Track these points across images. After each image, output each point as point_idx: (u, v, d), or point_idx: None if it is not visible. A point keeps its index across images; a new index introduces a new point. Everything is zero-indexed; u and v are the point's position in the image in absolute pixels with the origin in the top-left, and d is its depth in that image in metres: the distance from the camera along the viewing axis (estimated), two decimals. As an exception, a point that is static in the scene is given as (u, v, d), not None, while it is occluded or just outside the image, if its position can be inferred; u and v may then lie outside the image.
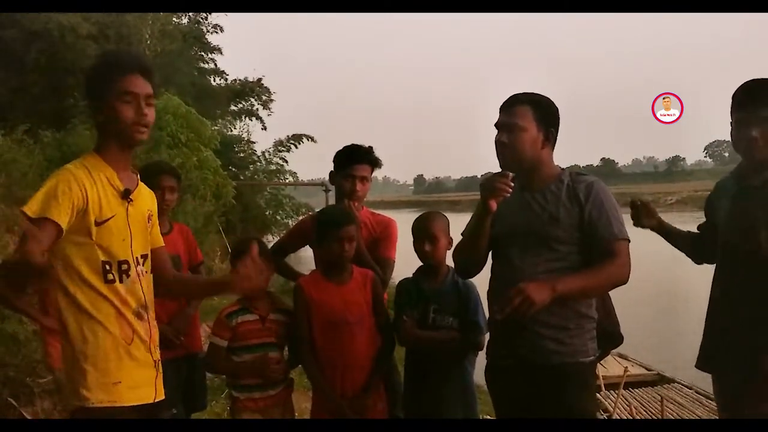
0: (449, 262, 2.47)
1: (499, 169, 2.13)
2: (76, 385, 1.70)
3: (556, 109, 2.19)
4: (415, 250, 2.59)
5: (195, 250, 3.16)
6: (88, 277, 1.70)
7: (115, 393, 1.70)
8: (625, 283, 2.04)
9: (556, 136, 2.18)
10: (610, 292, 2.43)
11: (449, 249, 2.50)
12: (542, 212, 2.11)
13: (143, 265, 1.83)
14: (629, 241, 2.08)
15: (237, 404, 2.50)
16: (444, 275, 2.57)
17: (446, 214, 2.69)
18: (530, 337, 2.09)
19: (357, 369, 2.42)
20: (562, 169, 2.20)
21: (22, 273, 1.64)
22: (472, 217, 2.20)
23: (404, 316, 2.54)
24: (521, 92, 2.19)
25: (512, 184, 2.02)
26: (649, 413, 6.44)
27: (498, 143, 2.15)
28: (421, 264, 2.63)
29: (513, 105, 2.15)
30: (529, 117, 2.11)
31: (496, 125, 2.17)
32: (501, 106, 2.19)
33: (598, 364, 2.80)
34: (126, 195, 1.79)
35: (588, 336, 2.13)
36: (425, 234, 2.53)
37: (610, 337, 2.23)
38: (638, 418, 6.12)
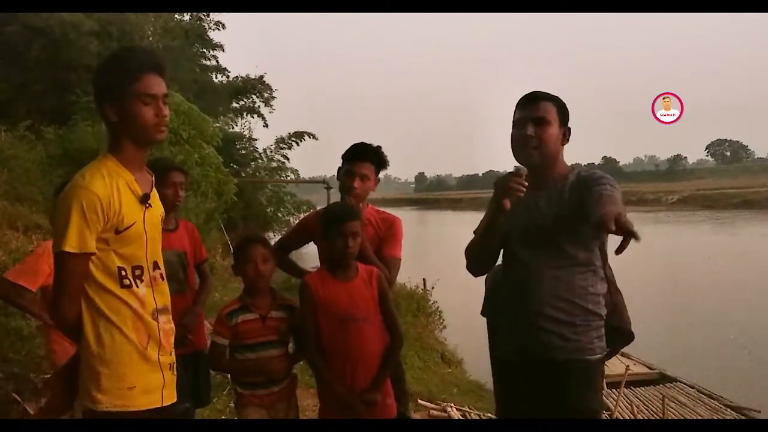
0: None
1: (506, 167, 2.14)
2: (89, 386, 1.68)
3: (569, 112, 2.24)
4: None
5: (200, 247, 3.17)
6: (104, 282, 1.68)
7: (129, 398, 1.68)
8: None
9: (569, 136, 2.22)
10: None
11: None
12: (548, 210, 2.11)
13: (159, 270, 1.81)
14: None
15: (242, 399, 2.50)
16: None
17: (448, 213, 2.74)
18: (536, 332, 2.09)
19: (364, 365, 2.41)
20: (572, 168, 2.21)
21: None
22: (484, 216, 2.20)
23: None
24: (539, 91, 2.21)
25: (526, 183, 2.01)
26: (651, 412, 6.44)
27: (522, 137, 2.14)
28: None
29: (538, 101, 2.17)
30: (554, 113, 2.15)
31: (520, 120, 2.16)
32: (521, 102, 2.20)
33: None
34: (145, 200, 1.76)
35: (595, 334, 2.12)
36: None
37: (615, 333, 2.20)
38: (640, 416, 6.12)
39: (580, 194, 2.04)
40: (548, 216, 2.10)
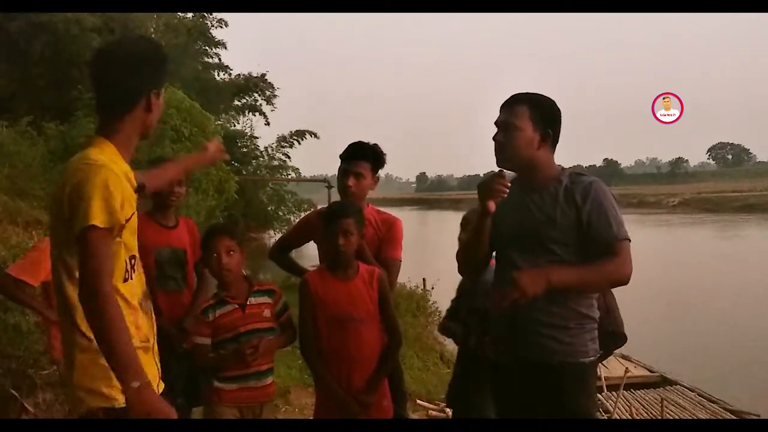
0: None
1: (498, 168, 2.12)
2: (99, 385, 1.62)
3: (557, 111, 2.17)
4: None
5: (199, 245, 3.15)
6: (116, 276, 1.63)
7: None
8: (626, 282, 2.01)
9: (556, 137, 2.15)
10: (614, 292, 2.43)
11: None
12: (539, 213, 2.09)
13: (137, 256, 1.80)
14: (630, 240, 2.04)
15: (216, 396, 2.42)
16: None
17: (449, 213, 2.75)
18: (530, 336, 2.08)
19: (362, 366, 2.41)
20: (563, 169, 2.17)
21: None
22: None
23: None
24: (523, 92, 2.18)
25: (509, 185, 2.01)
26: (650, 415, 6.42)
27: (494, 141, 2.15)
28: None
29: (511, 104, 2.15)
30: (525, 116, 2.11)
31: (495, 123, 2.17)
32: (501, 105, 2.19)
33: (600, 364, 2.79)
34: (140, 190, 1.76)
35: (588, 336, 2.11)
36: None
37: (611, 336, 2.21)
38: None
39: (575, 201, 2.04)
40: (540, 219, 2.08)
